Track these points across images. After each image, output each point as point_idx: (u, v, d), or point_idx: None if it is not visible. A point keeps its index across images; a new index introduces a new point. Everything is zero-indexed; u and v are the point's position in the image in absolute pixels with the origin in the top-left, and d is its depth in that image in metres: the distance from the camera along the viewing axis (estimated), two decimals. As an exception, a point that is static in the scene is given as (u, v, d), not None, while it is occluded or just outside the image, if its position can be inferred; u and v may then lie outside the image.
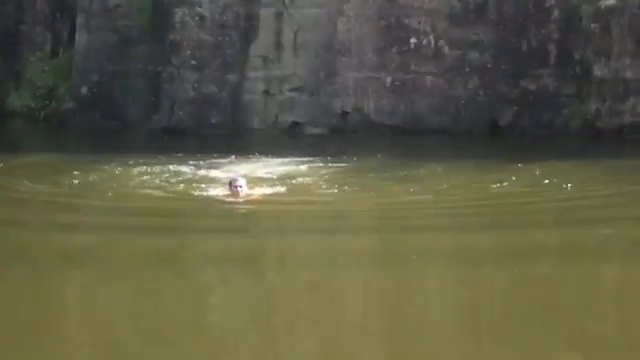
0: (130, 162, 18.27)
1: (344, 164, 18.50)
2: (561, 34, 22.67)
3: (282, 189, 15.50)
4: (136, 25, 24.50)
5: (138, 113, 24.40)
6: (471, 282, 9.93)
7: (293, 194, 15.24)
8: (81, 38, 24.88)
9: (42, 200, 14.88)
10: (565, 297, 9.49)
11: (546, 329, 8.29)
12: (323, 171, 17.67)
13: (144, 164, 18.04)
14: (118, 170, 17.51)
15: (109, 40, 24.65)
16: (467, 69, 23.05)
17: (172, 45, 23.38)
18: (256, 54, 23.47)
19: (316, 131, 23.38)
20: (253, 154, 19.72)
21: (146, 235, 12.38)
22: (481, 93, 23.05)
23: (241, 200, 14.36)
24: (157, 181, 16.34)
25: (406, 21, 23.15)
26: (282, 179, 16.55)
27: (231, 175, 15.74)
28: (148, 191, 15.43)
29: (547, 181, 16.10)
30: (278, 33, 23.46)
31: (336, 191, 15.49)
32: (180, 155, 19.24)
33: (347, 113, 23.40)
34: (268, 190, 15.26)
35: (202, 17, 23.34)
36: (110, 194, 15.09)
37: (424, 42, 23.15)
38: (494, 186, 15.80)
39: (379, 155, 19.61)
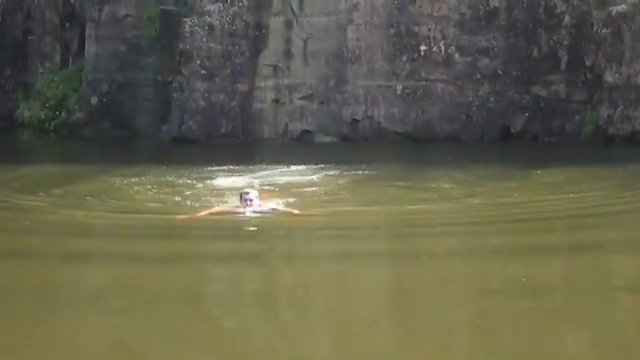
0: (137, 173, 17.92)
1: (357, 173, 18.27)
2: (572, 40, 22.58)
3: (294, 201, 14.64)
4: (145, 35, 24.49)
5: (148, 123, 24.38)
6: (493, 290, 9.75)
7: (306, 207, 14.25)
8: (90, 48, 24.87)
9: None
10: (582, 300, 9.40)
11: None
12: (335, 180, 17.34)
13: (151, 175, 17.73)
14: (122, 182, 16.94)
15: (118, 50, 24.63)
16: (478, 76, 22.97)
17: (181, 55, 23.33)
18: (266, 63, 23.41)
19: (326, 139, 23.31)
20: (260, 164, 19.48)
21: (149, 260, 11.35)
22: (492, 100, 22.95)
23: (252, 214, 13.43)
24: (164, 194, 15.65)
25: (416, 28, 23.08)
26: (294, 189, 16.12)
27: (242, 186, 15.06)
28: (152, 205, 14.65)
29: (572, 189, 15.74)
30: (288, 42, 23.40)
31: (351, 204, 14.87)
32: (189, 165, 19.08)
33: (357, 121, 23.33)
34: (280, 203, 14.27)
35: (211, 27, 23.28)
36: (109, 211, 14.36)
37: (434, 49, 23.07)
38: (515, 194, 15.42)
39: (392, 163, 19.44)
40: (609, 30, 21.98)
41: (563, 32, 22.65)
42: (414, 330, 8.30)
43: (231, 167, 18.86)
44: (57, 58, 26.44)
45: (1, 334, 8.32)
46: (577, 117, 22.57)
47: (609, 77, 21.87)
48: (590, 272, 10.43)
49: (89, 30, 24.88)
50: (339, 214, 14.07)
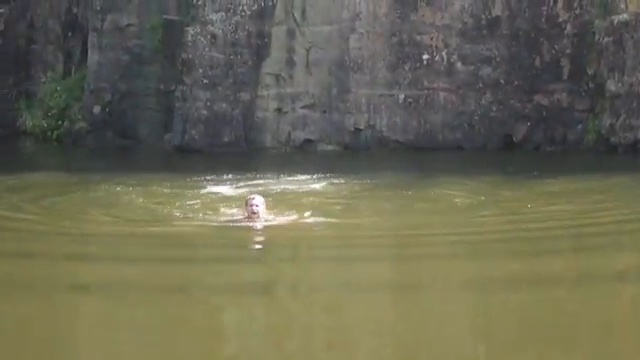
0: (139, 182, 17.87)
1: (360, 182, 18.24)
2: (574, 49, 22.60)
3: (300, 209, 14.26)
4: (148, 44, 24.51)
5: (150, 132, 24.40)
6: (502, 305, 9.59)
7: (312, 216, 13.93)
8: (93, 57, 24.89)
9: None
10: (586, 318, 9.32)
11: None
12: (340, 190, 17.22)
13: (153, 184, 17.66)
14: (125, 190, 16.83)
15: (121, 59, 24.65)
16: (480, 85, 22.99)
17: (184, 64, 23.35)
18: (268, 72, 23.44)
19: (329, 148, 23.33)
20: (263, 172, 19.40)
21: (152, 270, 11.12)
22: (494, 109, 22.97)
23: (257, 224, 12.82)
24: (167, 204, 15.24)
25: (418, 37, 23.11)
26: (299, 198, 15.92)
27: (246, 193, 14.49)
28: (154, 214, 14.23)
29: (603, 199, 15.60)
30: (290, 51, 23.43)
31: (359, 215, 14.59)
32: (192, 175, 19.05)
33: (360, 130, 23.34)
34: (286, 212, 13.76)
35: (214, 35, 23.31)
36: (112, 218, 14.14)
37: (437, 58, 23.10)
38: (529, 205, 15.16)
39: (395, 172, 19.40)
40: (611, 39, 22.01)
41: (565, 41, 22.67)
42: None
43: (233, 176, 18.81)
44: (60, 67, 26.43)
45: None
46: (579, 126, 22.58)
47: (611, 86, 21.89)
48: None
49: (91, 39, 24.91)
50: (346, 226, 13.64)
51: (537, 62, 22.81)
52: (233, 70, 23.34)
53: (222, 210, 14.09)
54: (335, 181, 18.10)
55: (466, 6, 22.96)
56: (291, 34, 23.43)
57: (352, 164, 20.78)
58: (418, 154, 22.43)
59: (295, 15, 23.37)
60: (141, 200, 15.81)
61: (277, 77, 23.47)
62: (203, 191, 16.77)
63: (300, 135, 23.47)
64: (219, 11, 23.31)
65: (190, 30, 23.35)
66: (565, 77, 22.67)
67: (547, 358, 8.09)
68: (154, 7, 24.48)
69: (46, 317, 9.54)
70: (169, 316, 9.38)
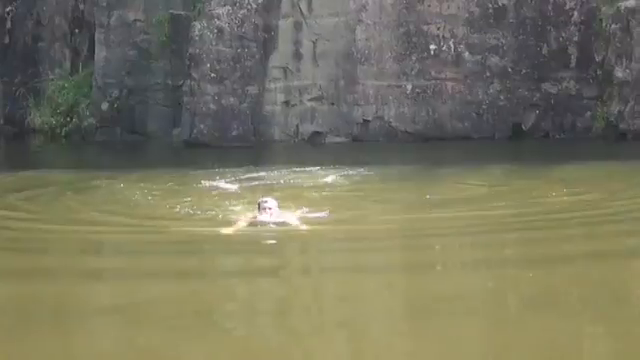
0: (149, 179, 17.74)
1: (371, 174, 18.10)
2: (581, 36, 22.56)
3: (312, 206, 13.73)
4: (155, 39, 24.54)
5: (159, 127, 24.44)
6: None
7: (326, 214, 13.36)
8: (100, 54, 24.93)
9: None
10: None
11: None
12: (351, 183, 16.99)
13: (163, 182, 17.53)
14: (135, 189, 16.46)
15: (128, 55, 24.69)
16: (487, 74, 22.96)
17: (191, 58, 23.35)
18: (275, 65, 23.44)
19: (337, 140, 23.33)
20: (274, 165, 19.28)
21: (160, 278, 10.58)
22: (502, 98, 22.95)
23: (271, 225, 12.33)
24: (178, 205, 14.73)
25: (425, 28, 23.09)
26: (310, 193, 15.60)
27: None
28: (164, 216, 13.81)
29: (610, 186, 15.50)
30: (297, 43, 23.42)
31: (373, 211, 14.15)
32: (201, 170, 19.00)
33: (368, 121, 23.34)
34: (298, 211, 13.19)
35: (220, 30, 23.31)
36: (119, 218, 13.82)
37: (444, 48, 23.07)
38: (553, 193, 14.94)
39: (406, 164, 19.35)
40: (618, 26, 21.97)
41: (572, 29, 22.63)
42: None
43: (242, 171, 18.71)
44: (67, 64, 26.47)
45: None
46: (588, 113, 22.56)
47: (619, 73, 21.85)
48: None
49: (98, 35, 24.94)
50: (366, 222, 13.33)
51: (544, 50, 22.78)
52: (240, 64, 23.33)
53: (235, 213, 13.57)
54: (345, 174, 17.98)
55: (472, -5, 22.95)
56: (298, 27, 23.43)
57: (361, 156, 20.72)
58: (427, 144, 22.43)
59: (301, 7, 23.36)
60: (150, 200, 15.53)
61: (284, 70, 23.47)
62: (215, 190, 16.25)
63: (308, 127, 23.48)
64: (225, 5, 23.31)
65: (197, 24, 23.35)
66: (573, 65, 22.63)
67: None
68: (160, 2, 24.51)
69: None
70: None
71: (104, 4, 24.79)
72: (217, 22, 23.32)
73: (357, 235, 12.62)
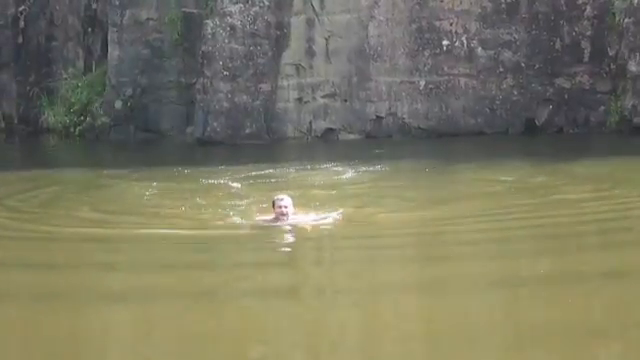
0: (164, 178, 17.78)
1: (385, 171, 18.07)
2: (594, 31, 22.51)
3: (327, 204, 13.62)
4: (167, 38, 24.56)
5: (172, 125, 24.47)
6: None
7: (341, 211, 13.20)
8: (113, 53, 24.96)
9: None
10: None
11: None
12: (365, 180, 16.95)
13: (177, 181, 17.54)
14: (151, 188, 16.60)
15: (141, 53, 24.71)
16: (501, 69, 22.93)
17: (204, 56, 23.38)
18: (288, 62, 23.43)
19: (351, 137, 23.33)
20: (280, 163, 19.20)
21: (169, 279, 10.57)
22: (516, 93, 22.91)
23: (287, 224, 12.13)
24: (193, 203, 14.75)
25: (437, 23, 23.05)
26: (325, 190, 15.55)
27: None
28: (179, 216, 13.74)
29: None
30: (309, 40, 23.41)
31: (388, 208, 14.02)
32: (215, 168, 19.02)
33: (381, 118, 23.33)
34: (313, 209, 13.03)
35: (233, 27, 23.32)
36: (140, 219, 13.85)
37: (456, 44, 23.04)
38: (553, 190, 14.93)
39: (421, 160, 19.30)
40: (631, 20, 21.91)
41: (585, 23, 22.57)
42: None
43: (255, 169, 18.73)
44: (80, 63, 26.51)
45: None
46: (602, 108, 22.51)
47: (632, 67, 21.79)
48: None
49: (111, 34, 24.96)
50: (377, 220, 13.19)
51: (557, 45, 22.73)
52: (253, 61, 23.34)
53: (250, 211, 13.55)
54: (359, 171, 17.97)
55: (485, -10, 22.90)
56: (310, 23, 23.41)
57: (375, 152, 20.72)
58: (440, 140, 22.41)
59: (314, 4, 23.35)
60: (167, 201, 15.47)
61: (297, 67, 23.46)
62: (229, 189, 16.27)
63: (321, 124, 23.47)
64: (237, 3, 23.31)
65: (209, 22, 23.36)
66: (586, 59, 22.58)
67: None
68: (173, 1, 24.52)
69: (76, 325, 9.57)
70: (198, 320, 9.32)
71: (117, 3, 24.82)
72: (229, 20, 23.33)
73: (374, 234, 12.58)
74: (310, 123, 23.49)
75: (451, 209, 14.02)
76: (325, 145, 22.81)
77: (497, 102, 22.95)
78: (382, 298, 9.87)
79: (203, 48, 23.44)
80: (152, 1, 24.65)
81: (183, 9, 24.46)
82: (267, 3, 23.32)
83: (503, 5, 22.92)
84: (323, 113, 23.48)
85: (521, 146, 21.27)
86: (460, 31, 23.02)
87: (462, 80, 23.04)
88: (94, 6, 26.33)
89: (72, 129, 25.50)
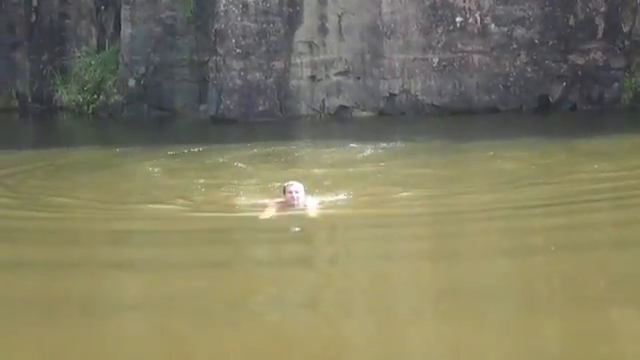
0: (177, 157, 17.73)
1: (399, 149, 17.99)
2: (608, 7, 22.41)
3: (346, 192, 13.18)
4: (180, 16, 24.54)
5: (185, 103, 24.48)
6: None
7: (360, 201, 12.92)
8: (126, 30, 24.96)
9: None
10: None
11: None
12: (379, 159, 16.78)
13: (185, 159, 17.48)
14: (163, 167, 16.60)
15: (154, 31, 24.71)
16: (514, 46, 22.86)
17: (217, 34, 23.36)
18: (301, 40, 23.40)
19: (364, 114, 23.30)
20: (294, 141, 19.12)
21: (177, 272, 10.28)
22: (529, 69, 22.85)
23: (298, 211, 11.85)
24: (206, 185, 14.55)
25: (451, 0, 22.97)
26: (342, 173, 15.20)
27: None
28: (192, 199, 13.54)
29: None
30: (322, 18, 23.37)
31: (403, 189, 13.77)
32: (230, 146, 19.00)
33: (394, 95, 23.30)
34: (325, 194, 12.69)
35: (246, 5, 23.29)
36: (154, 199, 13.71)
37: (470, 20, 22.97)
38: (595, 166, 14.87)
39: (432, 138, 19.24)
40: (646, -5, 21.82)
41: (599, -1, 22.49)
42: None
43: (270, 147, 18.72)
44: (93, 41, 26.54)
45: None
46: (616, 84, 22.44)
47: (647, 43, 21.73)
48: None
49: (124, 12, 24.97)
50: (389, 203, 13.03)
51: (571, 21, 22.64)
52: (266, 39, 23.32)
53: (261, 197, 13.17)
54: (374, 148, 17.86)
55: (498, -33, 22.82)
56: (323, 1, 23.36)
57: (388, 130, 20.69)
58: (453, 117, 22.36)
59: (326, -19, 23.29)
60: (178, 181, 15.31)
61: (310, 44, 23.43)
62: (243, 171, 16.05)
63: (335, 102, 23.46)
64: (250, -20, 23.26)
65: (222, 0, 23.32)
66: (600, 35, 22.50)
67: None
68: (185, -22, 24.49)
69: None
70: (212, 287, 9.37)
71: (129, -19, 24.82)
72: (242, -3, 23.28)
73: (387, 213, 12.53)
74: (323, 101, 23.47)
75: (465, 185, 13.99)
76: (338, 123, 22.79)
77: (511, 79, 22.89)
78: (395, 265, 9.90)
79: (216, 26, 23.42)
80: (165, -21, 24.63)
81: (196, -13, 24.44)
82: (280, -20, 23.28)
83: (517, -19, 22.85)
84: (336, 90, 23.46)
85: (535, 123, 21.23)
86: (473, 7, 22.95)
87: (475, 57, 22.98)
88: (107, -16, 26.35)
89: (85, 107, 25.55)
